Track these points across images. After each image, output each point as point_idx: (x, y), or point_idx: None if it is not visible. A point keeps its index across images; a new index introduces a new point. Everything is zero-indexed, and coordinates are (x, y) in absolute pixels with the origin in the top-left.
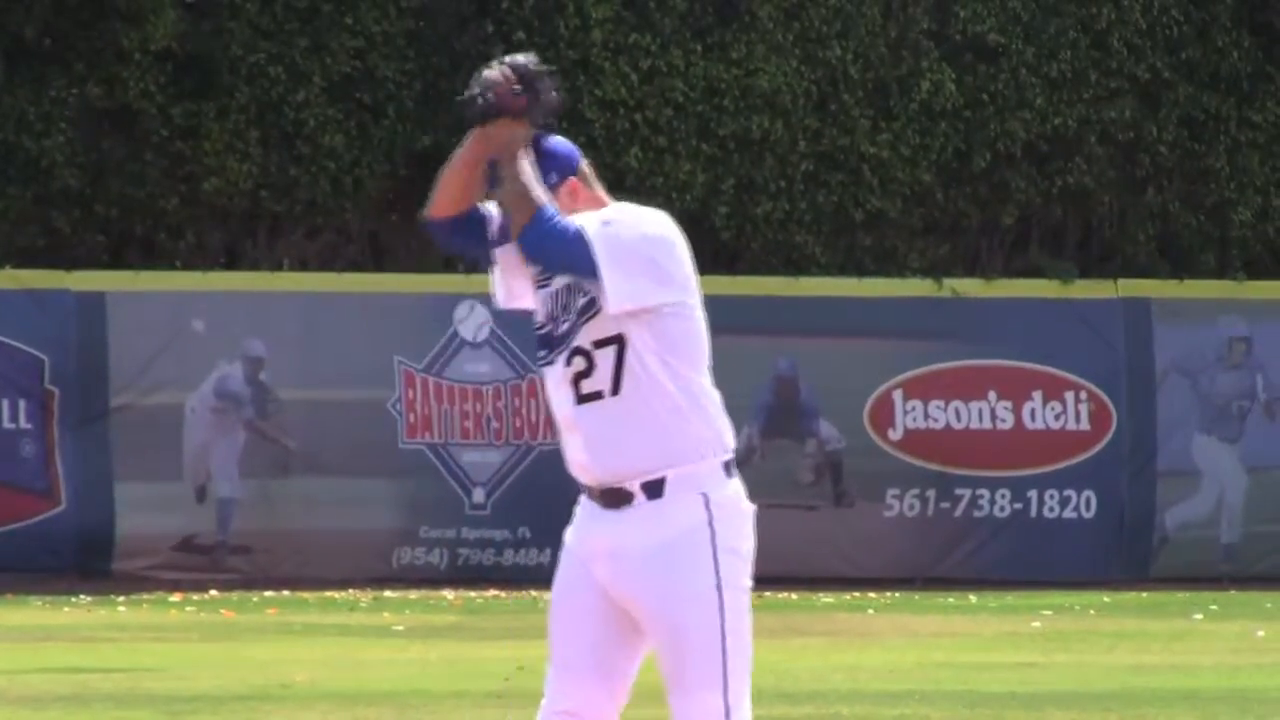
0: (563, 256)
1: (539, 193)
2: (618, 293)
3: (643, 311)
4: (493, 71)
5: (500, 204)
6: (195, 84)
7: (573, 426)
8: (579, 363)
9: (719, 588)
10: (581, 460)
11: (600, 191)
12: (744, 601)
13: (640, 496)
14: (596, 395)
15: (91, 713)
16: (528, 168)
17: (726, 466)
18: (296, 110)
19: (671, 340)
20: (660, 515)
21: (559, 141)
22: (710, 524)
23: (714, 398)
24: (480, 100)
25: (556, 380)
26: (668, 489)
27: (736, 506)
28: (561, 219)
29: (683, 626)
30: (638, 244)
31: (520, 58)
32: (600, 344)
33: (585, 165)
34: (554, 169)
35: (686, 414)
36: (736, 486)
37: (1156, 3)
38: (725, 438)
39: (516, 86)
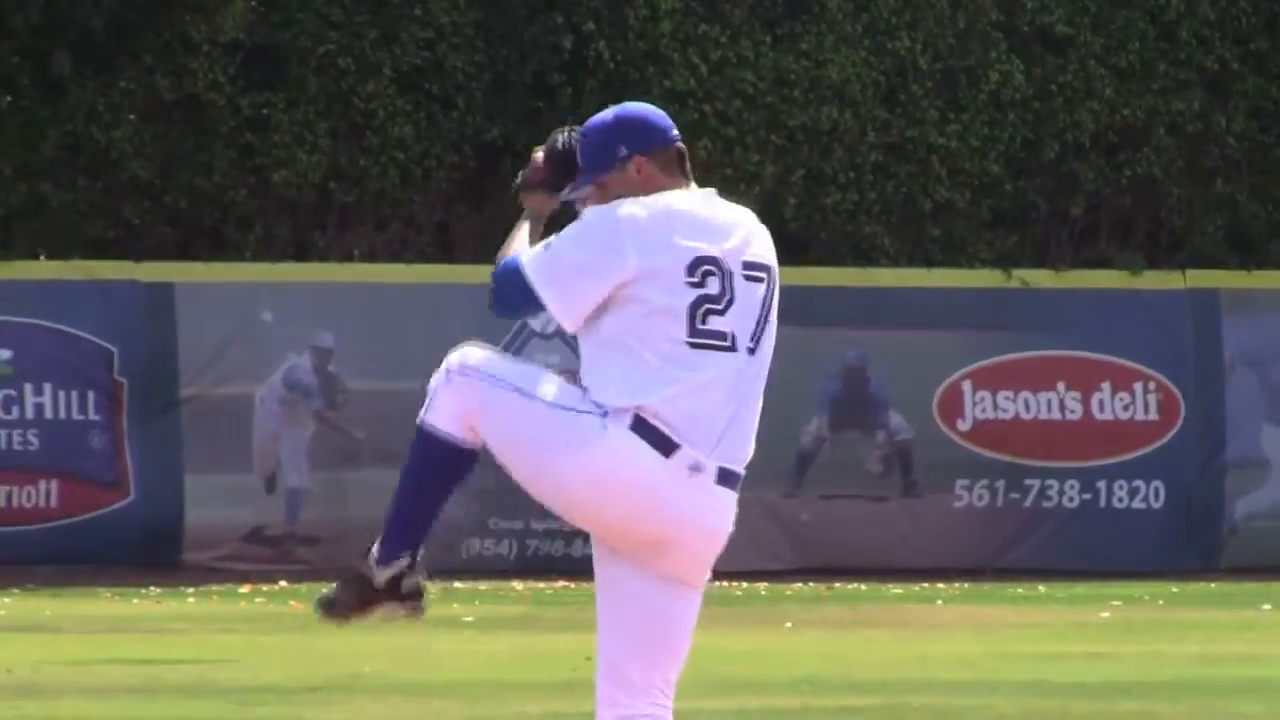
0: (510, 299)
1: (508, 248)
2: (561, 313)
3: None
4: (537, 153)
5: None
6: (264, 75)
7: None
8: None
9: None
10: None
11: (671, 178)
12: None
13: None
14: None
15: (160, 704)
16: (523, 232)
17: None
18: (366, 101)
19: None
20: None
21: (640, 113)
22: None
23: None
24: (517, 178)
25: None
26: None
27: None
28: (504, 261)
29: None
30: (567, 252)
31: (560, 135)
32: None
33: (667, 148)
34: (623, 142)
35: None
36: None
37: None
38: None
39: (542, 164)
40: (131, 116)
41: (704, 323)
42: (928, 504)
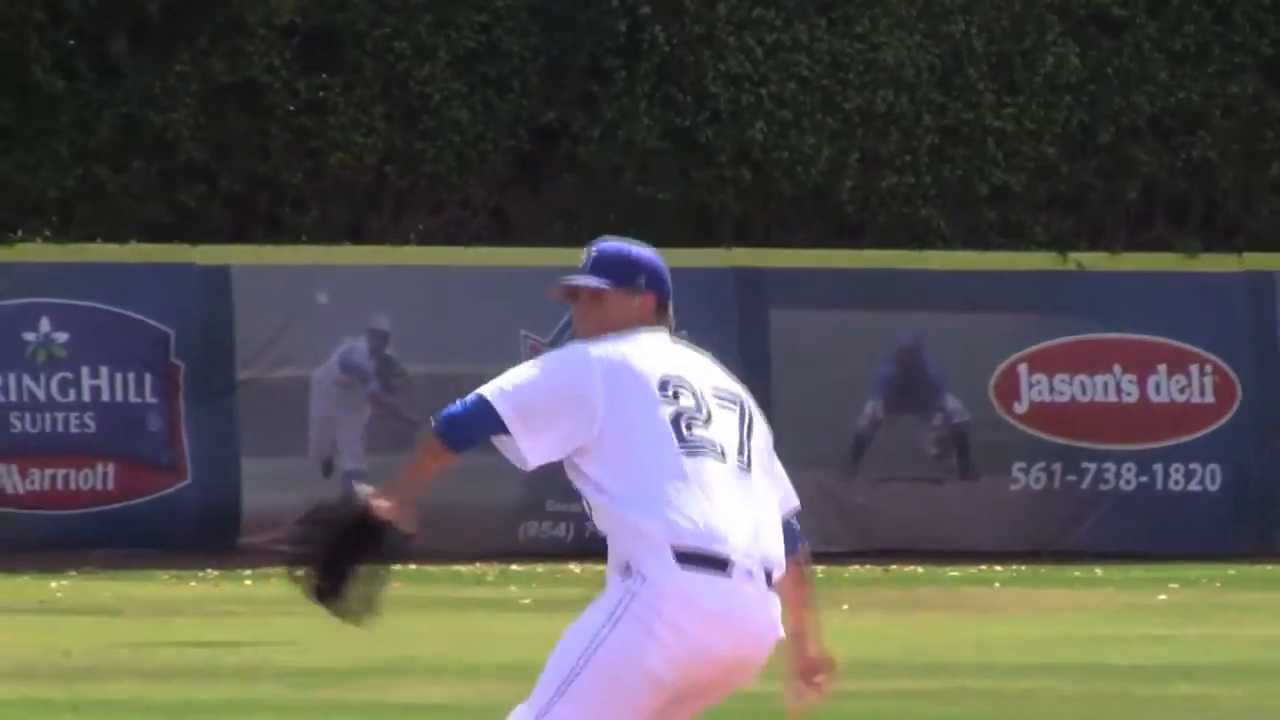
0: (466, 435)
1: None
2: (527, 449)
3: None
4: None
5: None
6: (320, 58)
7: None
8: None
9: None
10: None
11: (658, 320)
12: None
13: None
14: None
15: (218, 687)
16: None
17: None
18: (421, 84)
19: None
20: None
21: (660, 262)
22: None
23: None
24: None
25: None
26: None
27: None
28: (448, 409)
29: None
30: (535, 377)
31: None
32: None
33: (667, 300)
34: (644, 275)
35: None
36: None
37: None
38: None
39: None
40: (188, 99)
41: (690, 430)
42: (984, 486)
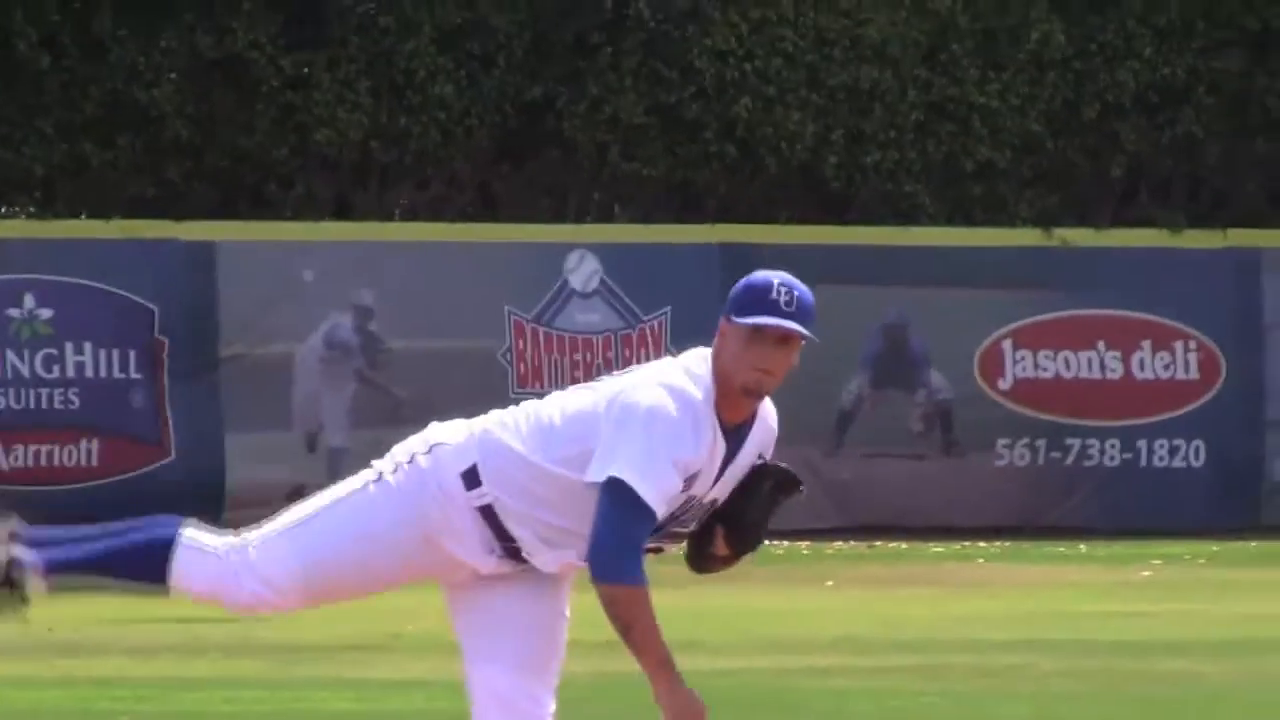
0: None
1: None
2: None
3: None
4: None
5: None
6: (305, 34)
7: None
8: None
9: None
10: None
11: (704, 348)
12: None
13: None
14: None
15: (202, 662)
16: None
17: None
18: (407, 60)
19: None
20: None
21: (749, 282)
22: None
23: None
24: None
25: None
26: None
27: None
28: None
29: None
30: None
31: None
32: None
33: (725, 320)
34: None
35: None
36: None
37: None
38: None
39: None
40: (173, 75)
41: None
42: (969, 463)
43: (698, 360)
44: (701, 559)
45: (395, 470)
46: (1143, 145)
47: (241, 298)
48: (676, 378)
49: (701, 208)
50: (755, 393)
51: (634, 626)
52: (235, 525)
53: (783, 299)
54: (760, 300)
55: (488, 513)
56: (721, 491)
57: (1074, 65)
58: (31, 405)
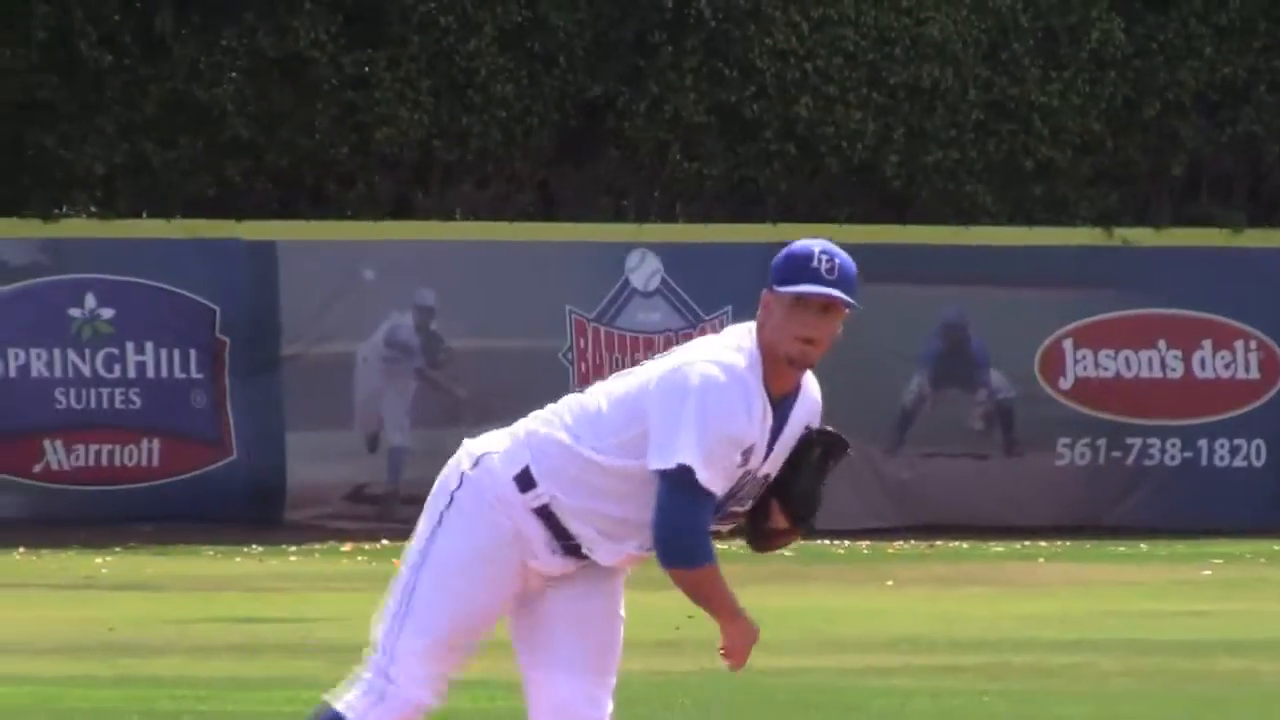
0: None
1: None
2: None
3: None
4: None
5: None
6: (366, 33)
7: None
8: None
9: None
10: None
11: (749, 323)
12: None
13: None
14: None
15: (262, 662)
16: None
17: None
18: (468, 59)
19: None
20: None
21: (790, 252)
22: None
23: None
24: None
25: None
26: None
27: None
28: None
29: None
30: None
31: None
32: None
33: (768, 291)
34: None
35: None
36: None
37: None
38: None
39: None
40: (233, 74)
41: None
42: (1029, 462)
43: (742, 334)
44: (761, 537)
45: (451, 504)
46: (1203, 144)
47: (302, 297)
48: (723, 353)
49: (762, 207)
50: (800, 362)
51: (710, 599)
52: (296, 525)
53: (824, 267)
54: (802, 269)
55: (544, 513)
56: (773, 466)
57: (1134, 64)
58: (93, 405)
